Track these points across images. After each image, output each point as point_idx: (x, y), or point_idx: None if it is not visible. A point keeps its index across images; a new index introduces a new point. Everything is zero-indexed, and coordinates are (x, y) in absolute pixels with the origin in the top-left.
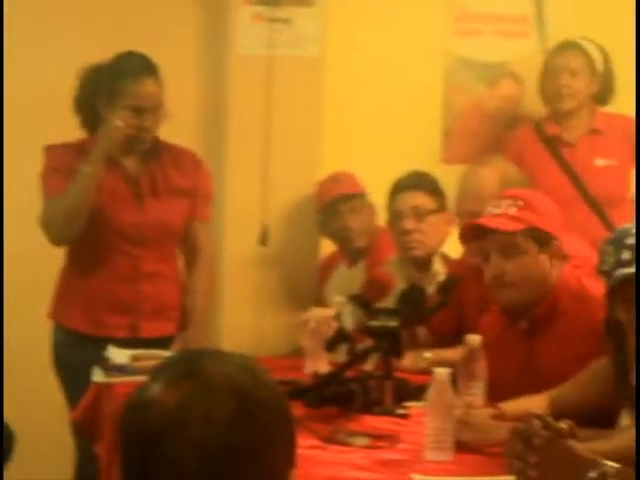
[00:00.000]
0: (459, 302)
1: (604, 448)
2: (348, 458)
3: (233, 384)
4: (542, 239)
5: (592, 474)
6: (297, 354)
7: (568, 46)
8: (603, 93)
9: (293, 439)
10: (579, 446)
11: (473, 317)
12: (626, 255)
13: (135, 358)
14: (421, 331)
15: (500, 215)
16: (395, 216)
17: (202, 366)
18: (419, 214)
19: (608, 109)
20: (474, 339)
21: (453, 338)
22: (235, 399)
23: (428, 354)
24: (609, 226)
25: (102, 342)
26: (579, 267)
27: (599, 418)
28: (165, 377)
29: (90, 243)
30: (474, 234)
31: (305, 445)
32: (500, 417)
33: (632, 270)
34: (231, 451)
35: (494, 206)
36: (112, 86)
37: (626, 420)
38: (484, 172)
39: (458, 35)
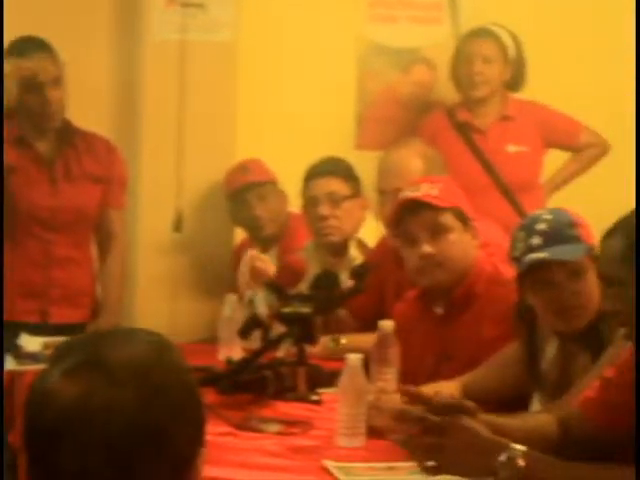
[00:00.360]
0: (379, 286)
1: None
2: (260, 445)
3: (136, 368)
4: (464, 219)
5: (502, 457)
6: (212, 340)
7: (480, 33)
8: (515, 80)
9: (201, 417)
10: (486, 430)
11: (392, 302)
12: (536, 240)
13: (47, 346)
14: (344, 316)
15: (423, 195)
16: (310, 202)
17: (103, 352)
18: (334, 200)
19: (519, 96)
20: (387, 325)
21: (375, 322)
22: (137, 385)
23: (343, 340)
24: (520, 212)
25: (13, 328)
26: (494, 254)
27: (512, 403)
28: (65, 365)
29: (1, 225)
30: (400, 215)
31: (217, 432)
32: (411, 402)
33: (542, 255)
34: (136, 439)
35: (412, 190)
36: (4, 65)
37: (537, 405)
38: (405, 151)
39: (371, 21)
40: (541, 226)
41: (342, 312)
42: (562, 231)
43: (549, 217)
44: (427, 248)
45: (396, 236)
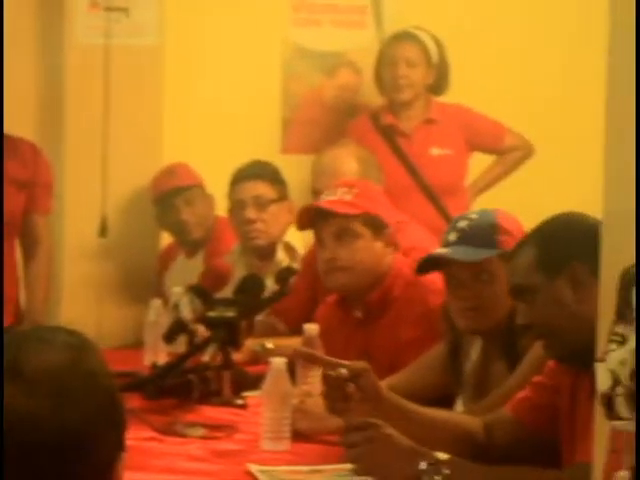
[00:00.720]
0: (310, 289)
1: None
2: (184, 449)
3: (52, 375)
4: (376, 226)
5: (422, 465)
6: (138, 345)
7: (403, 36)
8: (438, 83)
9: (121, 421)
10: (406, 439)
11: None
12: (452, 237)
13: None
14: (271, 320)
15: (335, 201)
16: (236, 206)
17: (20, 360)
18: (260, 204)
19: (443, 99)
20: (312, 328)
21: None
22: (53, 393)
23: (270, 344)
24: (445, 215)
25: None
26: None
27: (436, 405)
28: None
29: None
30: (311, 220)
31: (141, 437)
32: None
33: (443, 251)
34: (55, 447)
35: (329, 193)
36: None
37: (460, 407)
38: (340, 152)
39: (296, 25)
40: (462, 224)
41: (269, 317)
42: (479, 232)
43: (474, 217)
44: (328, 253)
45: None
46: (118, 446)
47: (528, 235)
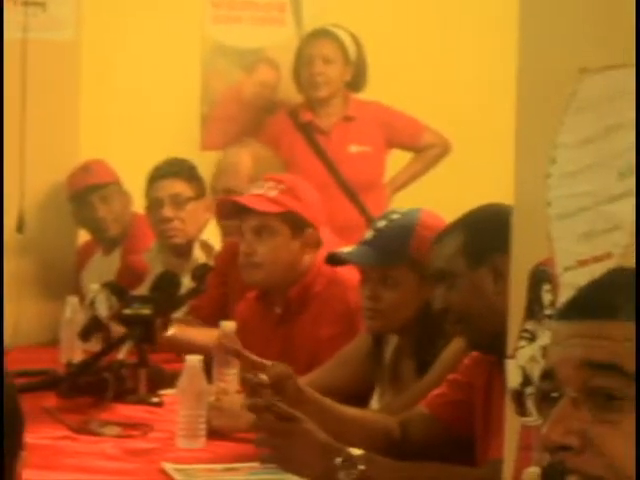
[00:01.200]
0: (223, 287)
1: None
2: (99, 448)
3: None
4: (297, 225)
5: (338, 460)
6: (55, 343)
7: (320, 33)
8: (356, 80)
9: (17, 419)
10: (324, 435)
11: (236, 302)
12: (369, 235)
13: None
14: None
15: (259, 196)
16: (154, 204)
17: None
18: (178, 202)
19: (362, 96)
20: (228, 325)
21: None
22: None
23: (172, 330)
24: (363, 212)
25: None
26: None
27: (358, 400)
28: None
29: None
30: (233, 212)
31: (55, 436)
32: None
33: (345, 250)
34: None
35: (257, 186)
36: None
37: (377, 404)
38: (239, 152)
39: (216, 21)
40: (381, 224)
41: (186, 315)
42: (393, 236)
43: (395, 217)
44: (246, 247)
45: (234, 232)
46: (17, 445)
47: (455, 222)
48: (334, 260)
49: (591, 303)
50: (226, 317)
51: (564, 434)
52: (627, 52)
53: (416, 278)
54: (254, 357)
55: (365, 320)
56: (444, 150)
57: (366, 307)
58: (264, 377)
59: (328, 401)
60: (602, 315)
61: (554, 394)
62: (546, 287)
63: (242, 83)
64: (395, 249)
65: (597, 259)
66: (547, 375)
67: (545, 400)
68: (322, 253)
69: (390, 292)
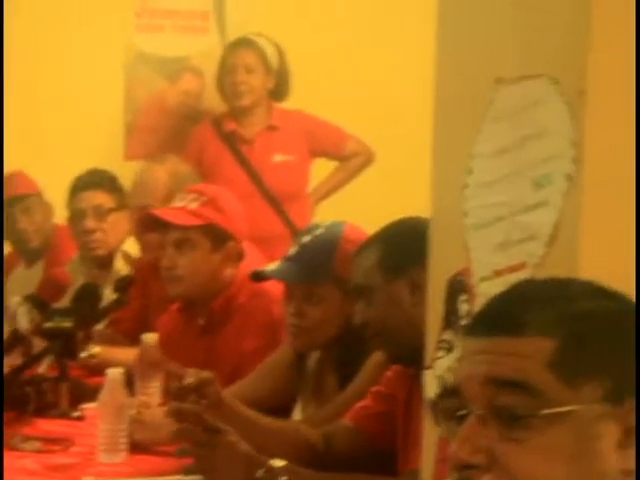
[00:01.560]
0: (142, 297)
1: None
2: (20, 464)
3: None
4: (218, 237)
5: (260, 472)
6: None
7: (243, 43)
8: (279, 89)
9: None
10: (246, 446)
11: (156, 315)
12: (292, 250)
13: None
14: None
15: (180, 209)
16: (75, 215)
17: None
18: (100, 213)
19: (286, 105)
20: (150, 338)
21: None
22: None
23: (97, 349)
24: (287, 221)
25: None
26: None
27: (275, 414)
28: None
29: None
30: (153, 226)
31: None
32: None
33: (270, 267)
34: None
35: (178, 199)
36: None
37: (298, 416)
38: (156, 168)
39: (139, 30)
40: (305, 239)
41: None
42: (317, 252)
43: (319, 232)
44: (167, 261)
45: (154, 247)
46: None
47: (372, 236)
48: (258, 277)
49: (496, 319)
50: (147, 329)
51: (471, 452)
52: (542, 62)
53: (340, 294)
54: (177, 367)
55: (289, 337)
56: (368, 159)
57: (291, 324)
58: (190, 380)
59: (252, 412)
60: (508, 331)
61: (461, 412)
62: (463, 297)
63: (165, 92)
64: (319, 265)
65: (512, 269)
66: (455, 392)
67: (453, 417)
68: (245, 265)
69: (314, 308)
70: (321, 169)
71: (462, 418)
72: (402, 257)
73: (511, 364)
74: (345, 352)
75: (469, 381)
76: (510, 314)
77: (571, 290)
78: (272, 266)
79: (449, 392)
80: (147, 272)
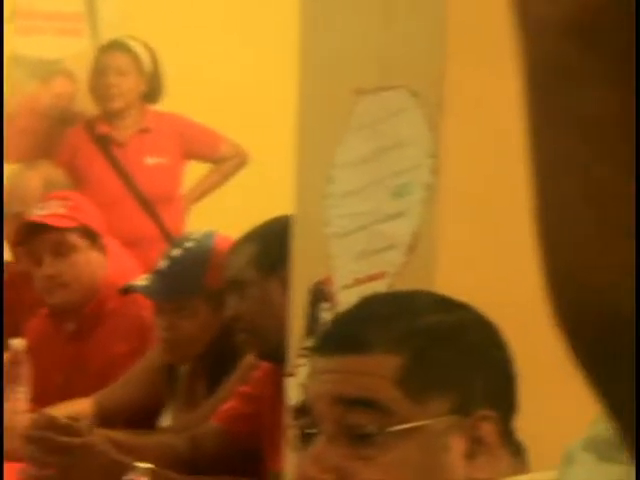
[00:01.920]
0: (12, 305)
1: (140, 443)
2: None
3: None
4: (92, 236)
5: (127, 477)
6: None
7: (115, 45)
8: (151, 92)
9: None
10: (113, 451)
11: (24, 321)
12: (162, 264)
13: None
14: None
15: (48, 215)
16: None
17: None
18: None
19: (159, 108)
20: (18, 343)
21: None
22: None
23: None
24: (159, 224)
25: None
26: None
27: (146, 418)
28: None
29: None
30: (23, 237)
31: None
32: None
33: (139, 283)
34: None
35: (40, 207)
36: None
37: (167, 420)
38: (28, 175)
39: (15, 32)
40: (175, 252)
41: None
42: (187, 267)
43: (189, 246)
44: (48, 270)
45: (24, 256)
46: None
47: (249, 232)
48: (129, 291)
49: (342, 337)
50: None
51: (321, 471)
52: (402, 74)
53: (211, 307)
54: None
55: (161, 351)
56: (241, 161)
57: (163, 338)
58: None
59: (119, 435)
60: (354, 349)
61: (311, 430)
62: (324, 305)
63: (38, 95)
64: (189, 280)
65: (372, 278)
66: (305, 410)
67: (304, 436)
68: (115, 268)
69: (185, 322)
70: (194, 171)
71: (312, 436)
72: (277, 255)
73: (358, 383)
74: (217, 360)
75: (318, 400)
76: (356, 332)
77: (415, 305)
78: (142, 280)
79: (301, 411)
80: (15, 278)
